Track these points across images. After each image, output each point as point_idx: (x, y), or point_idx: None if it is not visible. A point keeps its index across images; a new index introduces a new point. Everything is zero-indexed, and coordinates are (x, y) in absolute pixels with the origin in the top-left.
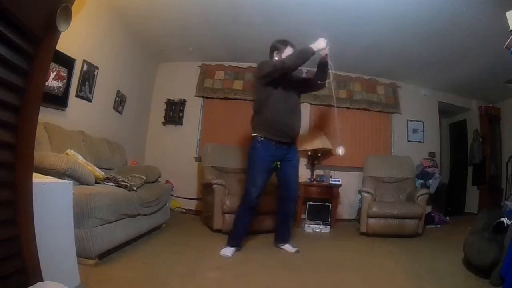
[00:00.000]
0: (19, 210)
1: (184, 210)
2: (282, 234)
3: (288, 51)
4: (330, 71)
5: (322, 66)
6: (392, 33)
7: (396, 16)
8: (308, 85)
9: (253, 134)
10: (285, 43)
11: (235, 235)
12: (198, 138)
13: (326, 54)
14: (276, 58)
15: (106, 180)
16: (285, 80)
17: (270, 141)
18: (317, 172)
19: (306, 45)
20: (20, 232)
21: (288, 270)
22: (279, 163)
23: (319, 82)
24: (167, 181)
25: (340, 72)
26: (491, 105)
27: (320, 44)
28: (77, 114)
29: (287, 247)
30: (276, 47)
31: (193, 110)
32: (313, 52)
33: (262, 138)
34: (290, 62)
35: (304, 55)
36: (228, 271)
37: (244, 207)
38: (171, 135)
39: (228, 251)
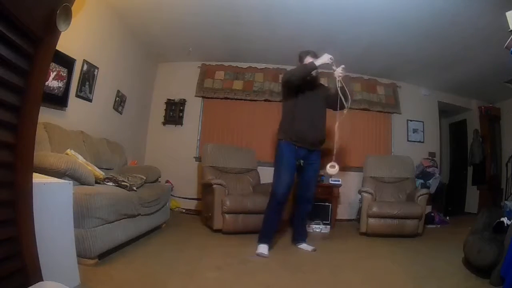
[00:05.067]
0: (19, 210)
1: (184, 210)
2: (299, 234)
3: (307, 61)
4: (346, 93)
5: (339, 95)
6: (392, 33)
7: (396, 16)
8: (329, 104)
9: (278, 137)
10: (306, 53)
11: (266, 232)
12: (198, 138)
13: (339, 76)
14: None
15: (106, 180)
16: (310, 92)
17: (292, 144)
18: None
19: (311, 61)
20: (20, 232)
21: (288, 270)
22: (302, 161)
23: (339, 109)
24: (167, 181)
25: None
26: (491, 105)
27: (323, 59)
28: (77, 114)
29: (304, 246)
30: (300, 57)
31: (193, 110)
32: (314, 67)
33: (285, 141)
34: (291, 73)
35: (304, 68)
36: (228, 271)
37: (272, 204)
38: (171, 135)
39: (263, 249)
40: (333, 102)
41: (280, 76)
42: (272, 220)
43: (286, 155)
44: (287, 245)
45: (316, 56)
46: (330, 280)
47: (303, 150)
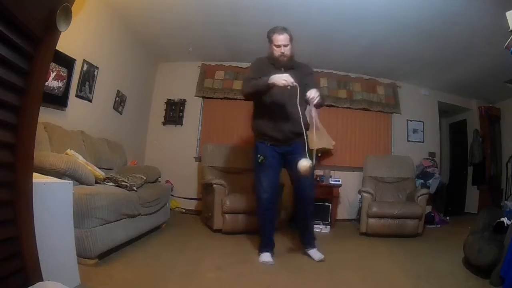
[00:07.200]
0: (19, 210)
1: (184, 210)
2: (305, 237)
3: (275, 39)
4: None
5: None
6: (392, 33)
7: (396, 16)
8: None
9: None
10: (271, 31)
11: (264, 241)
12: (198, 138)
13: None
14: (272, 47)
15: (106, 180)
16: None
17: (266, 144)
18: (317, 172)
19: (266, 79)
20: (20, 232)
21: (288, 270)
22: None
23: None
24: (167, 181)
25: (340, 72)
26: (491, 105)
27: (277, 80)
28: (77, 114)
29: (313, 252)
30: (267, 37)
31: (193, 110)
32: (267, 85)
33: (258, 142)
34: (245, 91)
35: (255, 87)
36: (228, 271)
37: (260, 211)
38: (171, 135)
39: (266, 257)
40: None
41: None
42: (266, 228)
43: (261, 153)
44: (287, 245)
45: (285, 31)
46: (330, 280)
47: (280, 147)
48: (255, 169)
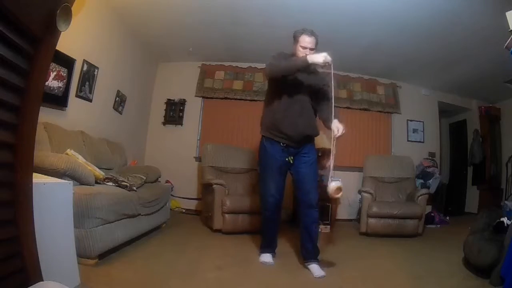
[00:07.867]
0: (19, 210)
1: (184, 210)
2: (305, 249)
3: (302, 40)
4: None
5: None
6: (392, 33)
7: (396, 16)
8: (316, 102)
9: (261, 133)
10: (299, 32)
11: (266, 242)
12: (198, 138)
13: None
14: (297, 48)
15: (106, 180)
16: (298, 80)
17: (275, 141)
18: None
19: (304, 57)
20: (20, 232)
21: (288, 270)
22: (292, 158)
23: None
24: (167, 181)
25: (340, 72)
26: (491, 105)
27: (317, 58)
28: (77, 114)
29: (314, 267)
30: (293, 37)
31: (193, 110)
32: (305, 62)
33: (267, 138)
34: (275, 66)
35: (293, 63)
36: (228, 271)
37: (264, 214)
38: (171, 135)
39: (266, 257)
40: (322, 109)
41: None
42: (269, 229)
43: (269, 153)
44: (287, 245)
45: (313, 35)
46: (330, 280)
47: (290, 148)
48: (260, 168)
